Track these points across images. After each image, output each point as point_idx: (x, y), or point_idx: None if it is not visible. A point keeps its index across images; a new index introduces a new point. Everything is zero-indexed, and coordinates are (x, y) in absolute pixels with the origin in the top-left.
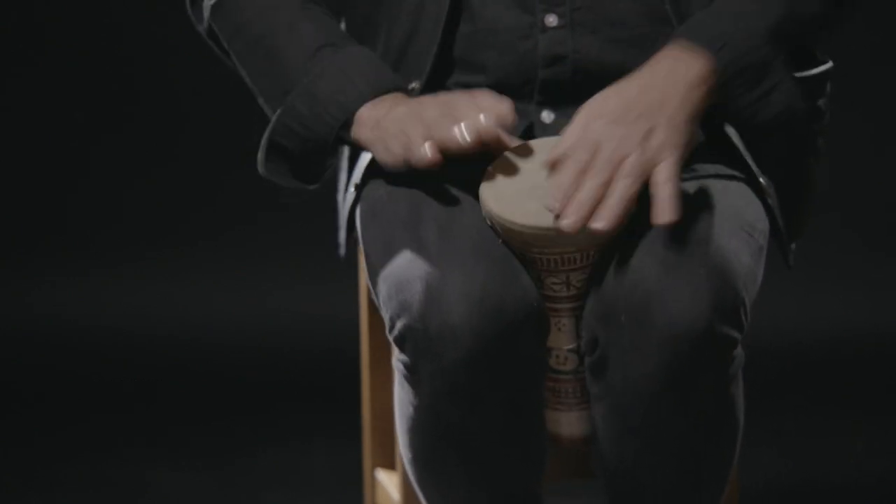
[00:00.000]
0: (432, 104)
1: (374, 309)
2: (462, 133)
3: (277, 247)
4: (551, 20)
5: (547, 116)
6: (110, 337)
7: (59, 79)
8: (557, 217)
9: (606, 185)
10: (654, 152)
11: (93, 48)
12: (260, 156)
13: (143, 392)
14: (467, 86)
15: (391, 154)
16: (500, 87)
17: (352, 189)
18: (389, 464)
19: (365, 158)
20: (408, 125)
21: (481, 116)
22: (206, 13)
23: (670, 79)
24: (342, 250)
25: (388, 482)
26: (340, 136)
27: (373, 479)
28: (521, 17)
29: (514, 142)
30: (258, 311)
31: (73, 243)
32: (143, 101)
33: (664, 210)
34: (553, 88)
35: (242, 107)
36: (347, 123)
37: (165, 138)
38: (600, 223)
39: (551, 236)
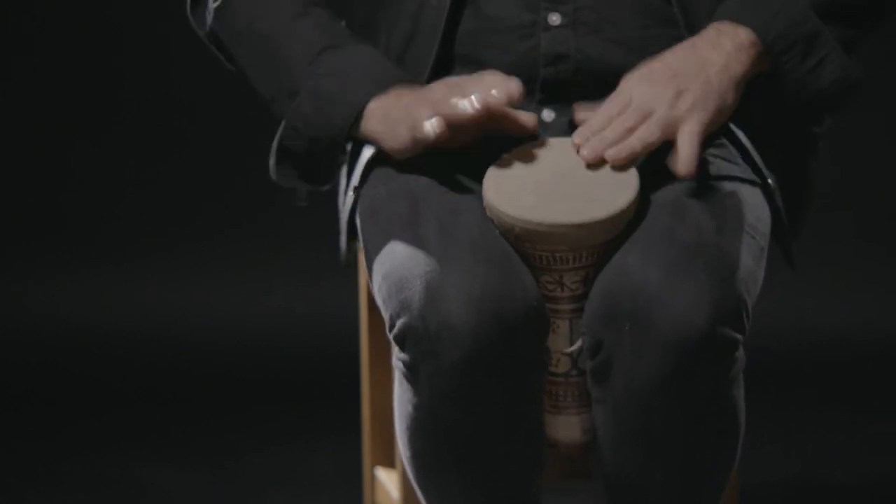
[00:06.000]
0: (438, 86)
1: (373, 309)
2: (472, 103)
3: (277, 246)
4: (554, 19)
5: (547, 115)
6: (110, 337)
7: (58, 78)
8: (580, 149)
9: (632, 130)
10: (683, 111)
11: (91, 46)
12: (271, 162)
13: (143, 392)
14: None
15: (398, 139)
16: None
17: (350, 192)
18: (389, 462)
19: (363, 160)
20: (414, 107)
21: (493, 91)
22: (209, 17)
23: (713, 47)
24: (343, 256)
25: (387, 480)
26: (350, 134)
27: (372, 477)
28: (524, 16)
29: (525, 116)
30: (257, 310)
31: (72, 243)
32: (143, 99)
33: (685, 163)
34: (554, 87)
35: (242, 107)
36: (357, 119)
37: (164, 138)
38: (614, 152)
39: (541, 231)
